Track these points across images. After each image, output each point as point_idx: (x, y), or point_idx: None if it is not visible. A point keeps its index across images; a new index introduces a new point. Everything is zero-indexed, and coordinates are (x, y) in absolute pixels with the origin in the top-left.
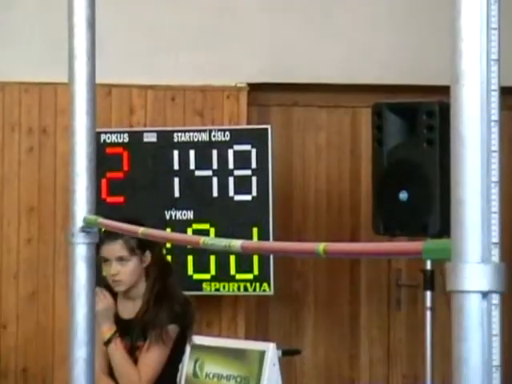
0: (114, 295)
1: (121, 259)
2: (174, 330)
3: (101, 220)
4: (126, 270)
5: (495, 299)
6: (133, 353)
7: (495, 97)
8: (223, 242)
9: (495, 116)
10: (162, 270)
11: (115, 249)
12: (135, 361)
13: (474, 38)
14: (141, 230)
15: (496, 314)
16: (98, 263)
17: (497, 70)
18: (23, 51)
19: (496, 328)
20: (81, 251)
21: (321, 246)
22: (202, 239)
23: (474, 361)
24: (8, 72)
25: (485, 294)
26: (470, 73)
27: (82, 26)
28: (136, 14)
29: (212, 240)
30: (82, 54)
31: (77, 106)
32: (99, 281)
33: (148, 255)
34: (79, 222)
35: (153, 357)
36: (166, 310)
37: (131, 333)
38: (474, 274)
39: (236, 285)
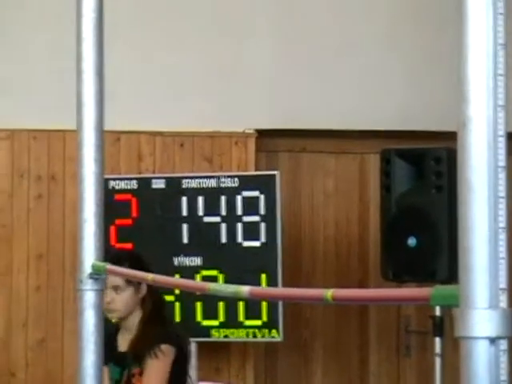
0: (116, 330)
1: (116, 288)
2: (168, 349)
3: (109, 266)
4: (120, 299)
5: (503, 345)
6: (129, 381)
7: (502, 142)
8: (230, 289)
9: (502, 162)
10: (156, 302)
11: (112, 277)
12: None
13: (480, 84)
14: (150, 276)
15: (504, 360)
16: None
17: (503, 115)
18: (31, 98)
19: (504, 374)
20: (89, 298)
21: (328, 293)
22: (210, 286)
23: None
24: (16, 119)
25: (492, 340)
26: (476, 118)
27: (90, 73)
28: (144, 61)
29: (220, 286)
30: (90, 100)
31: (85, 153)
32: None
33: (144, 287)
34: (87, 269)
35: (152, 373)
36: (157, 331)
37: (127, 363)
38: (482, 319)
39: (245, 331)
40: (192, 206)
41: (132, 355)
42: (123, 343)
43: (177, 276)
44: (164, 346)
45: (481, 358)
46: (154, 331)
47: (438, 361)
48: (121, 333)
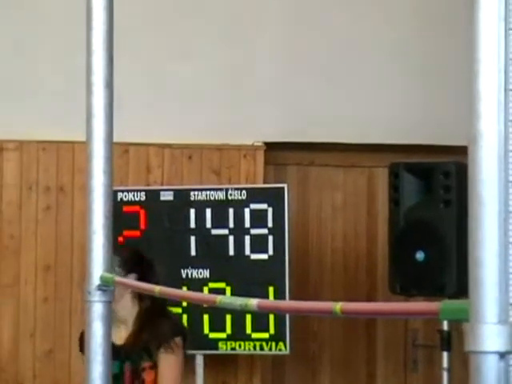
0: None
1: None
2: (180, 341)
3: (118, 278)
4: None
5: None
6: (138, 376)
7: None
8: (239, 301)
9: None
10: (155, 297)
11: None
12: (142, 382)
13: (491, 99)
14: (157, 288)
15: None
16: None
17: None
18: (41, 110)
19: None
20: (97, 309)
21: (337, 306)
22: (219, 298)
23: None
24: (26, 130)
25: (502, 355)
26: (487, 133)
27: (99, 86)
28: (153, 73)
29: (228, 299)
30: (100, 112)
31: (94, 165)
32: None
33: (132, 277)
34: (96, 280)
35: (167, 367)
36: (167, 324)
37: (130, 357)
38: (492, 334)
39: (252, 344)
40: (200, 218)
41: (139, 349)
42: (116, 336)
43: (184, 288)
44: (178, 339)
45: (490, 373)
46: (162, 324)
47: (445, 375)
48: (112, 326)
